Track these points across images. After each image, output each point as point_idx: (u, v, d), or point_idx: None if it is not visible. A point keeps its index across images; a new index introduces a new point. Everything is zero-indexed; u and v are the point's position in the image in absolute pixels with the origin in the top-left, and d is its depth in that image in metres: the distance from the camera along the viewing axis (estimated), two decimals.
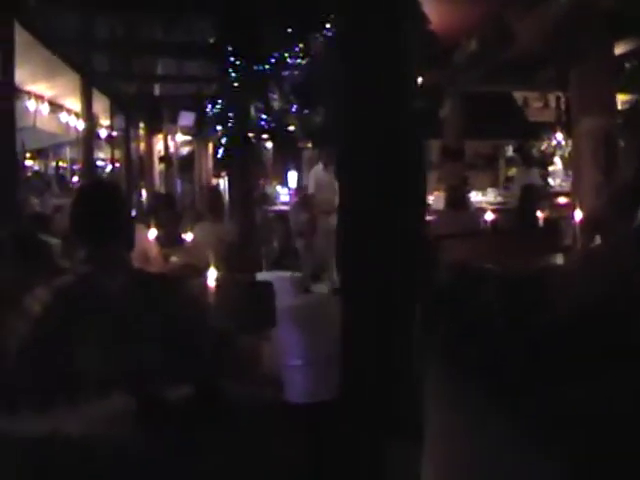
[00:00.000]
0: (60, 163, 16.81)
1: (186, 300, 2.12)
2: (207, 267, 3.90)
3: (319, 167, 9.62)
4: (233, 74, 7.76)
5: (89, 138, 9.00)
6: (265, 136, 13.54)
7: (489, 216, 7.70)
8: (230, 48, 7.60)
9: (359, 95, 1.94)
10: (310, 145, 14.29)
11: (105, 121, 10.86)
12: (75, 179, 15.42)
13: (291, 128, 12.52)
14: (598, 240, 4.84)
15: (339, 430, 1.70)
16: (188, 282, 2.81)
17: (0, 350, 1.89)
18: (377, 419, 1.77)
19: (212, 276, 3.28)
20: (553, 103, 13.10)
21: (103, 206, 2.13)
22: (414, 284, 1.88)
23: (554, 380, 3.79)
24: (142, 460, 1.58)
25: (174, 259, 5.50)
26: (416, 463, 1.71)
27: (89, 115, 8.76)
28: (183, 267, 4.78)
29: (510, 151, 13.62)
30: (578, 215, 5.49)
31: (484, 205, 10.49)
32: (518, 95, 12.90)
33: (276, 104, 9.77)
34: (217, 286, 3.34)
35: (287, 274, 9.60)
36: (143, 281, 2.09)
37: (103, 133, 11.31)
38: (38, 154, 15.56)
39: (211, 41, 8.22)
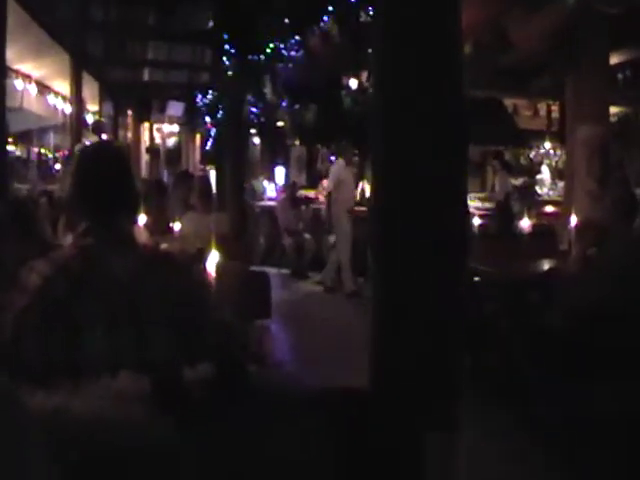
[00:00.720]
0: (42, 150, 16.51)
1: (197, 280, 2.02)
2: (199, 256, 3.77)
3: (341, 163, 9.00)
4: (227, 62, 7.60)
5: (77, 122, 8.78)
6: (254, 130, 13.49)
7: (477, 221, 7.71)
8: (226, 35, 7.44)
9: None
10: (298, 142, 14.25)
11: (93, 106, 10.65)
12: (58, 167, 15.14)
13: (280, 124, 12.46)
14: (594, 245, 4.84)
15: (372, 418, 1.62)
16: (196, 263, 2.70)
17: None
18: (413, 410, 1.67)
19: (213, 260, 3.14)
20: (543, 111, 13.17)
21: (111, 170, 1.93)
22: (455, 275, 1.79)
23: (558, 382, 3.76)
24: (155, 440, 1.48)
25: (164, 246, 5.34)
26: (454, 455, 1.62)
27: (78, 98, 8.54)
28: (178, 252, 4.62)
29: None
30: (573, 220, 5.50)
31: (472, 210, 10.46)
32: (508, 102, 12.94)
33: (268, 97, 9.67)
34: (214, 272, 3.21)
35: (274, 270, 9.50)
36: (151, 257, 1.95)
37: (89, 119, 11.08)
38: (20, 139, 15.23)
39: (207, 27, 8.08)
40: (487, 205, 11.38)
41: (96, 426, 1.45)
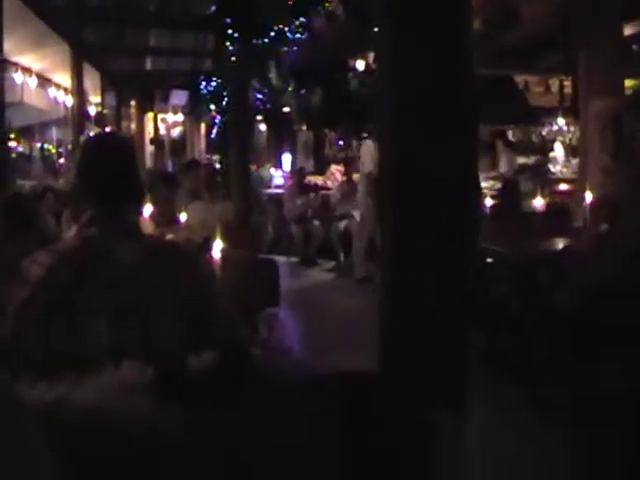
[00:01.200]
0: (46, 145, 16.41)
1: (204, 271, 2.00)
2: (205, 245, 3.69)
3: (370, 144, 8.52)
4: (230, 47, 7.46)
5: (79, 115, 8.64)
6: (260, 117, 13.34)
7: (489, 201, 7.56)
8: (228, 20, 7.30)
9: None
10: (305, 127, 14.09)
11: (95, 98, 10.51)
12: (62, 161, 15.06)
13: (286, 109, 12.31)
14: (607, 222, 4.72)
15: (380, 402, 1.61)
16: (203, 253, 2.69)
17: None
18: (421, 391, 1.65)
19: (217, 247, 3.06)
20: (555, 88, 12.91)
21: (115, 160, 1.91)
22: (464, 253, 1.76)
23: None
24: (160, 430, 1.45)
25: (170, 237, 5.24)
26: (462, 436, 1.61)
27: (79, 89, 8.40)
28: (184, 242, 4.53)
29: (510, 136, 13.39)
30: (588, 198, 5.38)
31: (484, 191, 10.30)
32: (519, 79, 12.70)
33: (273, 82, 9.50)
34: (222, 261, 3.14)
35: (282, 258, 9.39)
36: (156, 247, 1.92)
37: (92, 111, 10.94)
38: (22, 134, 15.12)
39: (209, 12, 7.93)
40: (499, 185, 11.19)
41: (99, 417, 1.43)
